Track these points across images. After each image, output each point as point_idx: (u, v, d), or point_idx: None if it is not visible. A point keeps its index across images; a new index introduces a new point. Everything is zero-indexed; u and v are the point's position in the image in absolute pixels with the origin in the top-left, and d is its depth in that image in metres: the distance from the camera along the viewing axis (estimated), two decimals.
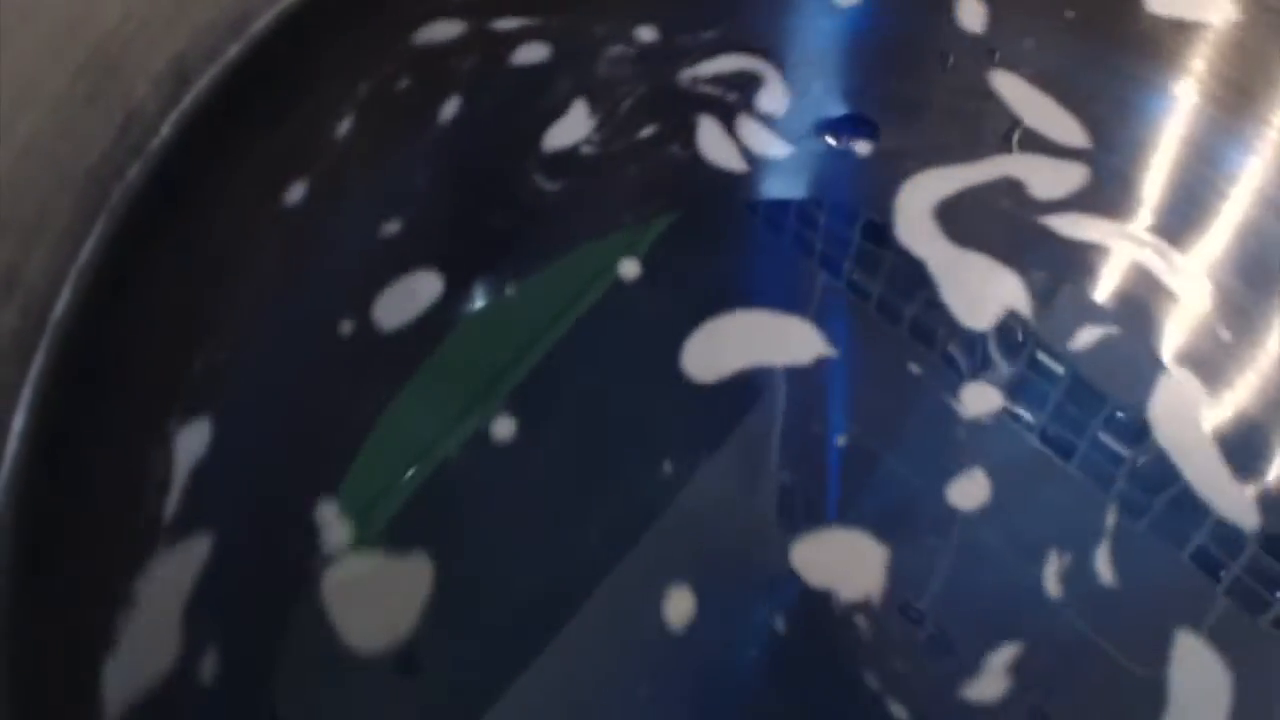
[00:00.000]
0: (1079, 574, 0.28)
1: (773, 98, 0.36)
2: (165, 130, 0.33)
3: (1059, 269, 0.33)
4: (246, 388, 0.30)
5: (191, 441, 0.29)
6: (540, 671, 0.27)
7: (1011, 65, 0.36)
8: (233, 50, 0.35)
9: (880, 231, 0.33)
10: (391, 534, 0.28)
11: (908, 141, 0.35)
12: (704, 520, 0.29)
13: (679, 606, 0.27)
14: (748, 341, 0.31)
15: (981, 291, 0.32)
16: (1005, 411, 0.30)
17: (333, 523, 0.28)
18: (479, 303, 0.32)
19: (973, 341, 0.31)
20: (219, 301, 0.31)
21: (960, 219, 0.33)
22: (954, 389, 0.30)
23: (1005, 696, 0.26)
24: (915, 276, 0.32)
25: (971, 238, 0.33)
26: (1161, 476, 0.29)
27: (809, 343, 0.31)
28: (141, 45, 0.32)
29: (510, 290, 0.32)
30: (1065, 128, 0.35)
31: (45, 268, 0.30)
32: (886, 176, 0.34)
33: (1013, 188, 0.34)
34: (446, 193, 0.34)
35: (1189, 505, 0.29)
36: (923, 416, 0.31)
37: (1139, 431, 0.30)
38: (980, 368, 0.31)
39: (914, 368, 0.31)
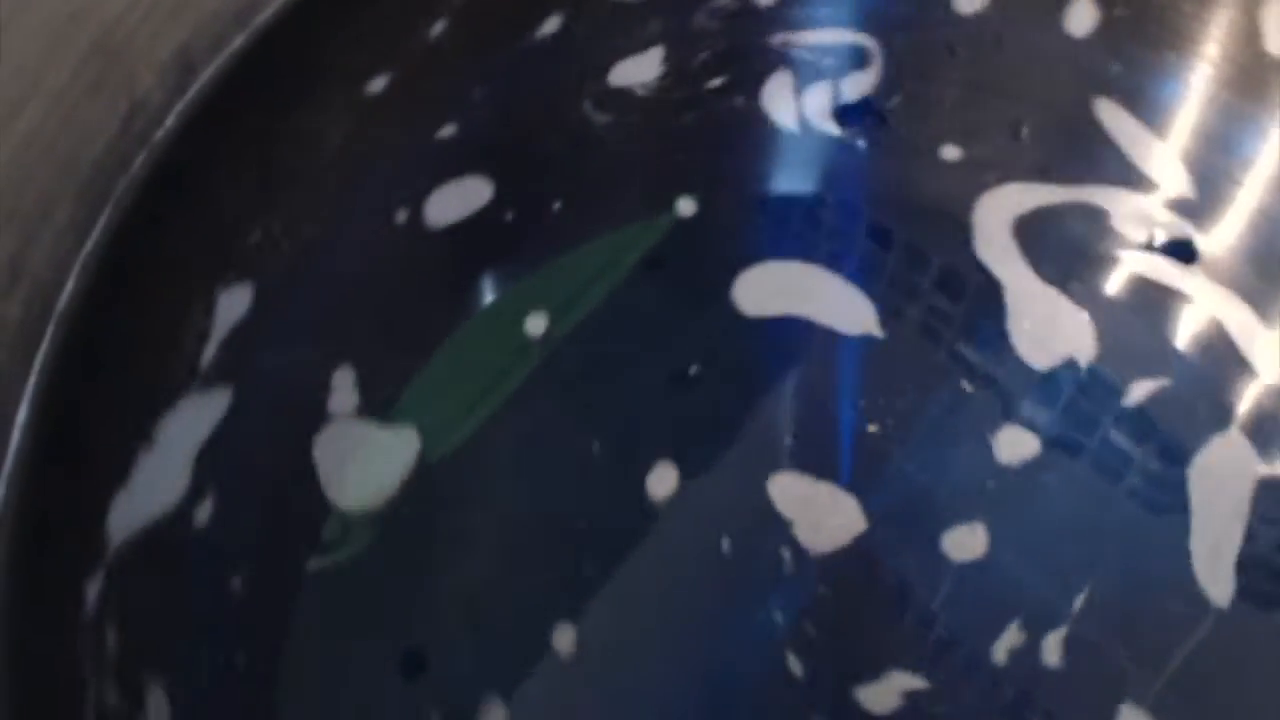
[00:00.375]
0: (1027, 654, 0.27)
1: (863, 81, 0.36)
2: (170, 121, 0.33)
3: (1131, 313, 0.32)
4: (295, 260, 0.32)
5: (234, 302, 0.31)
6: (518, 527, 0.29)
7: (1114, 91, 0.35)
8: (238, 40, 0.34)
9: (955, 239, 0.33)
10: (393, 406, 0.30)
11: (994, 152, 0.34)
12: (712, 422, 0.30)
13: (663, 482, 0.29)
14: (800, 292, 0.32)
15: (1049, 330, 0.31)
16: (1035, 464, 0.29)
17: (345, 390, 0.30)
18: (525, 217, 0.33)
19: (1027, 381, 0.31)
20: (286, 178, 0.33)
21: (1041, 243, 0.32)
22: (994, 425, 0.30)
23: (889, 714, 0.26)
24: (986, 296, 0.32)
25: (1050, 267, 0.32)
26: (1164, 549, 0.28)
27: (860, 317, 0.31)
28: (146, 35, 0.32)
29: (557, 206, 0.33)
30: (1162, 164, 0.34)
31: (50, 258, 0.30)
32: (970, 184, 0.33)
33: (1095, 215, 0.33)
34: (510, 106, 0.35)
35: (1172, 581, 0.28)
36: (955, 442, 0.30)
37: (1170, 502, 0.29)
38: (1025, 411, 0.30)
39: (966, 385, 0.31)
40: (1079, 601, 0.28)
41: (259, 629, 0.27)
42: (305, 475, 0.29)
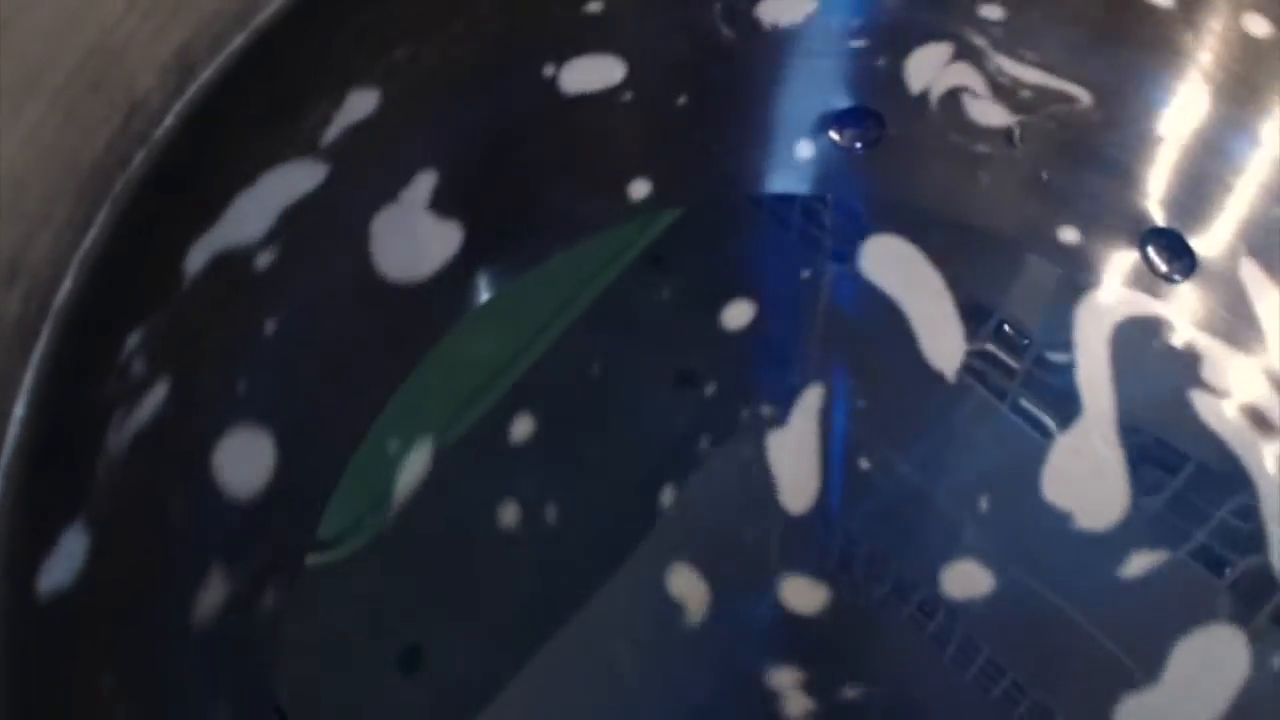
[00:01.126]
0: None
1: (1004, 118, 0.35)
2: (170, 120, 0.33)
3: (1166, 478, 0.30)
4: (431, 79, 0.35)
5: (361, 102, 0.34)
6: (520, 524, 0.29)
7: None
8: (238, 40, 0.35)
9: (1059, 344, 0.32)
10: (453, 204, 0.33)
11: (1113, 250, 0.33)
12: (756, 329, 0.32)
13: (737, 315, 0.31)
14: (914, 287, 0.32)
15: (1086, 482, 0.29)
16: (984, 603, 0.28)
17: (422, 187, 0.33)
18: (647, 104, 0.35)
19: (1033, 518, 0.29)
20: (444, 11, 0.36)
21: (1137, 373, 0.31)
22: (955, 553, 0.29)
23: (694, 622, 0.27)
24: (1058, 410, 0.31)
25: (1133, 408, 0.30)
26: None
27: (945, 352, 0.31)
28: (146, 35, 0.32)
29: (682, 101, 0.35)
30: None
31: (48, 256, 0.30)
32: (1079, 274, 0.33)
33: (1193, 359, 0.31)
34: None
35: None
36: (923, 533, 0.29)
37: (1137, 676, 0.27)
38: (993, 549, 0.29)
39: (982, 505, 0.29)
40: None
41: (257, 630, 0.28)
42: (360, 246, 0.32)
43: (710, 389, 0.31)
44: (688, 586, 0.28)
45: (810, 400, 0.30)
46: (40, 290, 0.30)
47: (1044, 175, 0.34)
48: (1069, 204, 0.33)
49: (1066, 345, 0.31)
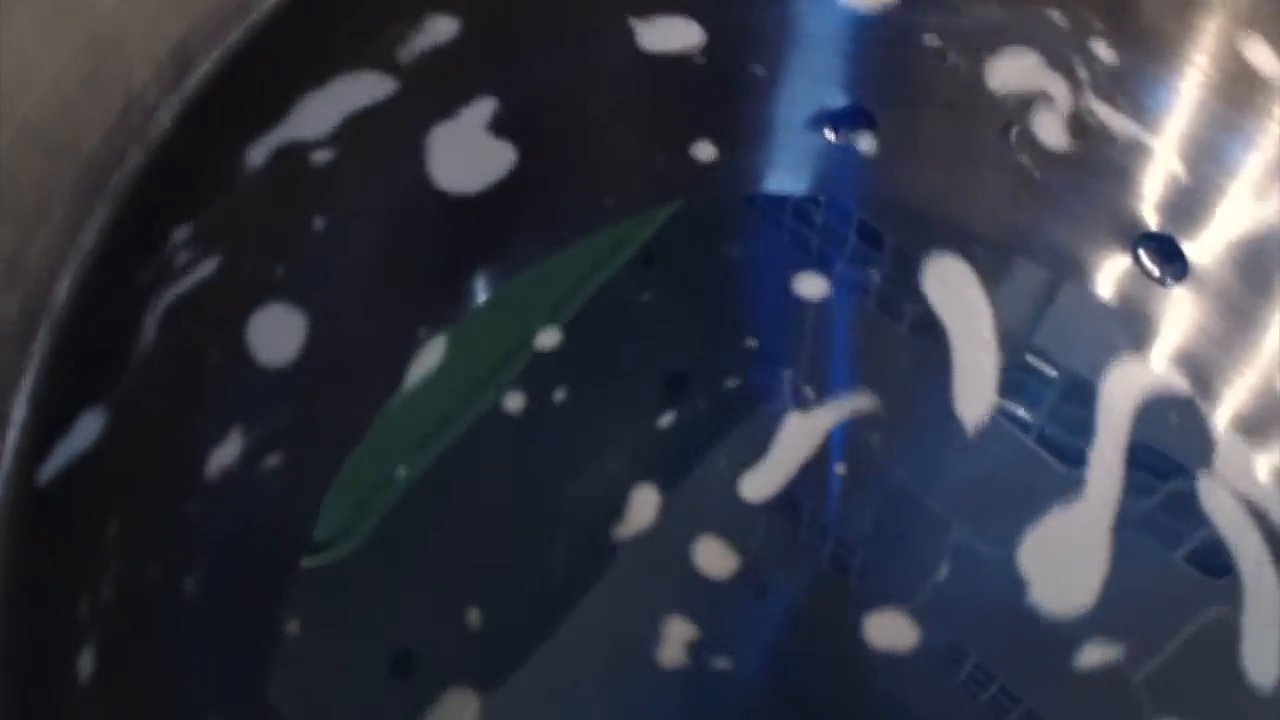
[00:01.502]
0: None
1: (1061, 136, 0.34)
2: (165, 116, 0.33)
3: (1147, 573, 0.29)
4: (510, 12, 0.35)
5: (439, 28, 0.35)
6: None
7: None
8: (235, 34, 0.34)
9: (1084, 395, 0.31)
10: (513, 130, 0.34)
11: (1153, 305, 0.32)
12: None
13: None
14: (965, 315, 0.31)
15: (1067, 562, 0.28)
16: (906, 656, 0.27)
17: (480, 110, 0.34)
18: (721, 69, 0.35)
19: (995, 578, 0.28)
20: None
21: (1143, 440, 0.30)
22: (874, 605, 0.28)
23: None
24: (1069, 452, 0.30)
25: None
26: None
27: (975, 397, 0.31)
28: (142, 29, 0.32)
29: (759, 71, 0.35)
30: None
31: (45, 254, 0.30)
32: (1109, 340, 0.32)
33: (1206, 449, 0.30)
34: None
35: None
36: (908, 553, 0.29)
37: None
38: (935, 609, 0.28)
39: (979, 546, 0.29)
40: None
41: (254, 622, 0.28)
42: (416, 155, 0.33)
43: (707, 388, 0.31)
44: (642, 500, 0.29)
45: (823, 408, 0.30)
46: (38, 289, 0.30)
47: (1037, 176, 0.34)
48: (1064, 205, 0.33)
49: (1077, 381, 0.31)
